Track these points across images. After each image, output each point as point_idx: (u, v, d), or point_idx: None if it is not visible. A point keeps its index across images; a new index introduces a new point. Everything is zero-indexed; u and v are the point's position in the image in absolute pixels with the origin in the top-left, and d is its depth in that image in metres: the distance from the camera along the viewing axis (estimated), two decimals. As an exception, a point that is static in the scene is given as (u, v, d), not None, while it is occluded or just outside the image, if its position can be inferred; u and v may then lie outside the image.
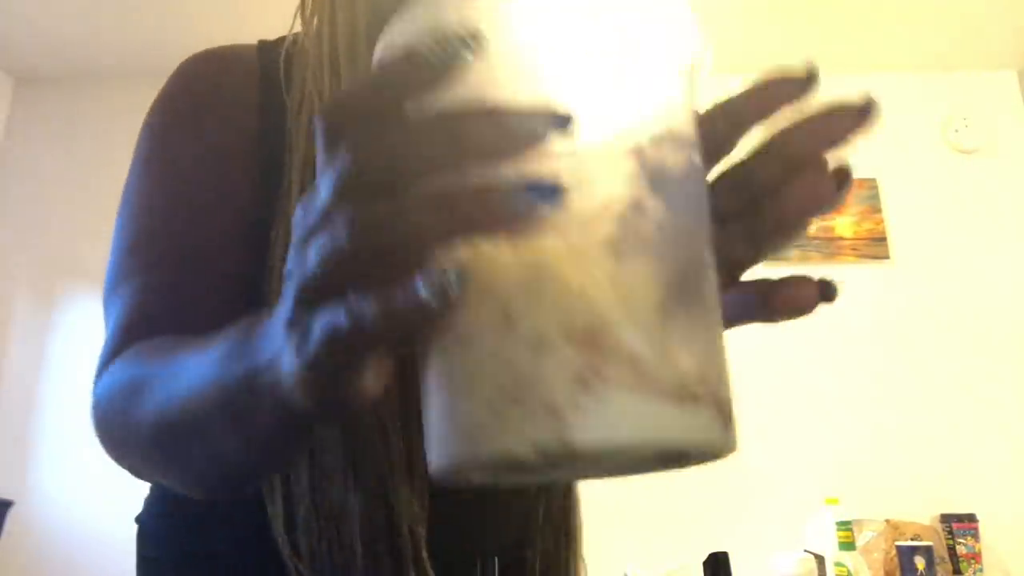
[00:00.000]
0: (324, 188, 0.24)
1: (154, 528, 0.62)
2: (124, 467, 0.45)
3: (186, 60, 0.63)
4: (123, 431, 0.42)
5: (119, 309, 0.52)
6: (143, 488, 0.65)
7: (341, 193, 0.23)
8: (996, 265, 2.89)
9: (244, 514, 0.55)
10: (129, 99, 3.18)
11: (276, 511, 0.51)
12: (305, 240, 0.24)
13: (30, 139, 3.17)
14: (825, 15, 2.82)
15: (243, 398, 0.30)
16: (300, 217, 0.25)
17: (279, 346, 0.27)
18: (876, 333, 2.76)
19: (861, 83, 3.11)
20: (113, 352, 0.49)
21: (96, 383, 0.48)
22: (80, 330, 2.94)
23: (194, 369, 0.35)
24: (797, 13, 2.81)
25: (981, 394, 2.73)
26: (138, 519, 0.64)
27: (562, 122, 0.23)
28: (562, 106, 0.23)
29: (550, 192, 0.22)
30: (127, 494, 3.07)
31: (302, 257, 0.24)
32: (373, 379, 0.26)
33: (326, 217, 0.24)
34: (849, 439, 2.68)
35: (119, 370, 0.45)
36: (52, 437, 2.81)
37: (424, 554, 0.52)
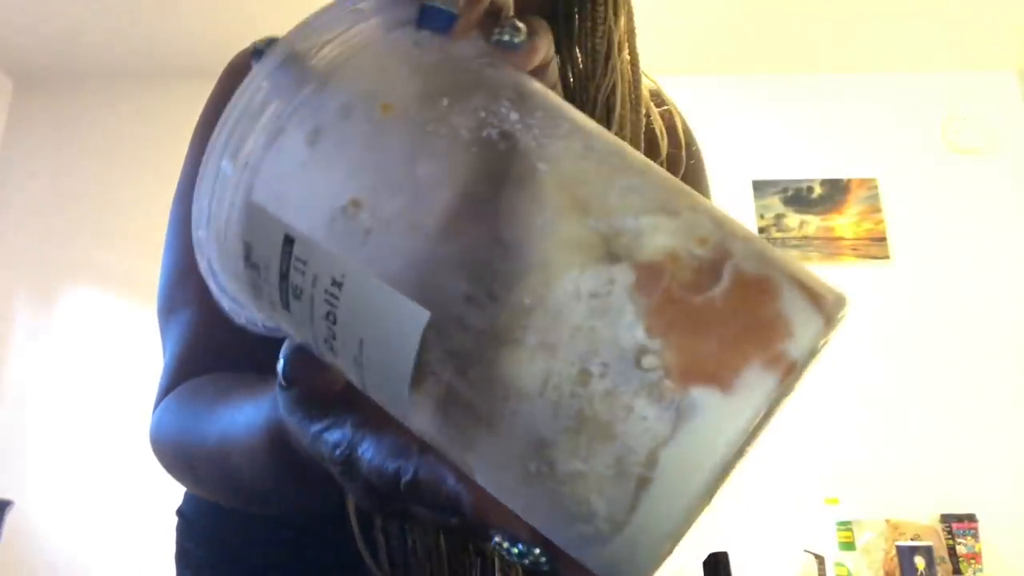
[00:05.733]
0: None
1: (200, 522, 0.62)
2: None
3: (236, 57, 0.59)
4: (180, 469, 0.46)
5: (174, 340, 0.53)
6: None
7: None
8: (996, 265, 2.89)
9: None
10: (129, 99, 3.19)
11: (352, 508, 0.52)
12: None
13: (30, 139, 3.17)
14: (825, 14, 2.82)
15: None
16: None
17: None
18: (876, 333, 2.76)
19: (861, 83, 3.11)
20: (170, 385, 0.52)
21: (154, 412, 0.51)
22: (80, 330, 2.93)
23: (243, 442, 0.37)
24: (797, 13, 2.81)
25: (981, 394, 2.73)
26: (180, 511, 0.64)
27: None
28: None
29: None
30: (127, 494, 3.06)
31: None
32: None
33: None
34: (849, 439, 2.68)
35: (173, 413, 0.48)
36: (52, 437, 2.81)
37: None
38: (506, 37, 0.25)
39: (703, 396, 0.19)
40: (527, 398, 0.20)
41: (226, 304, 0.28)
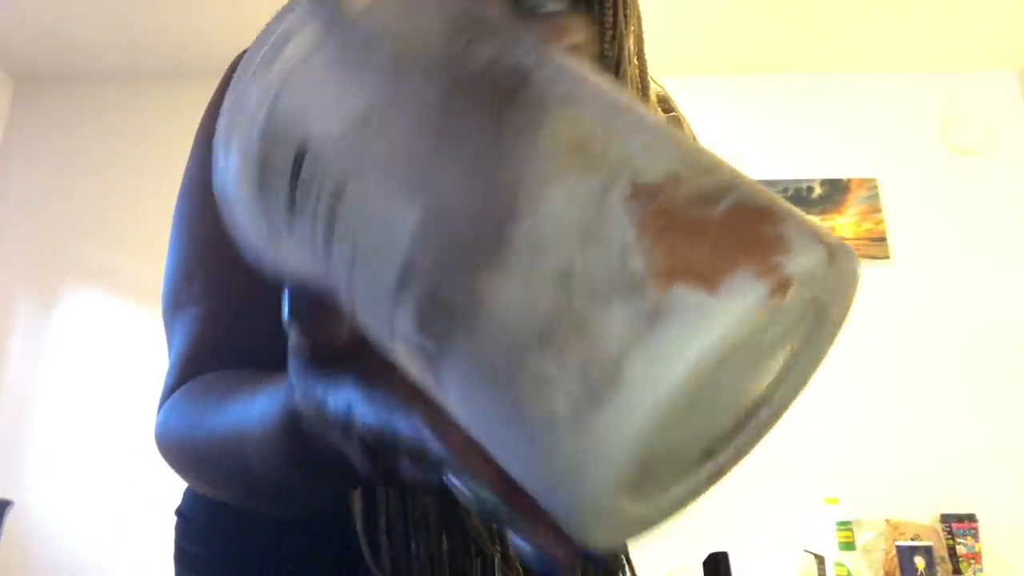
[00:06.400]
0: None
1: (198, 520, 0.62)
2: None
3: (238, 57, 0.58)
4: (186, 465, 0.46)
5: (179, 339, 0.53)
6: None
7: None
8: (996, 265, 2.89)
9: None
10: (129, 99, 3.19)
11: (357, 509, 0.52)
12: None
13: (30, 139, 3.17)
14: (825, 15, 2.82)
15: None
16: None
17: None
18: (876, 333, 2.76)
19: (861, 83, 3.11)
20: (176, 383, 0.51)
21: (160, 410, 0.50)
22: (80, 330, 2.93)
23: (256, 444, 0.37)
24: (797, 13, 2.81)
25: (981, 394, 2.73)
26: (179, 511, 0.64)
27: None
28: None
29: None
30: (127, 494, 3.06)
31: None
32: None
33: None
34: (849, 439, 2.68)
35: (179, 410, 0.48)
36: (52, 437, 2.81)
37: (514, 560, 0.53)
38: (536, 3, 0.26)
39: (685, 294, 0.18)
40: (506, 296, 0.20)
41: (238, 238, 0.29)
